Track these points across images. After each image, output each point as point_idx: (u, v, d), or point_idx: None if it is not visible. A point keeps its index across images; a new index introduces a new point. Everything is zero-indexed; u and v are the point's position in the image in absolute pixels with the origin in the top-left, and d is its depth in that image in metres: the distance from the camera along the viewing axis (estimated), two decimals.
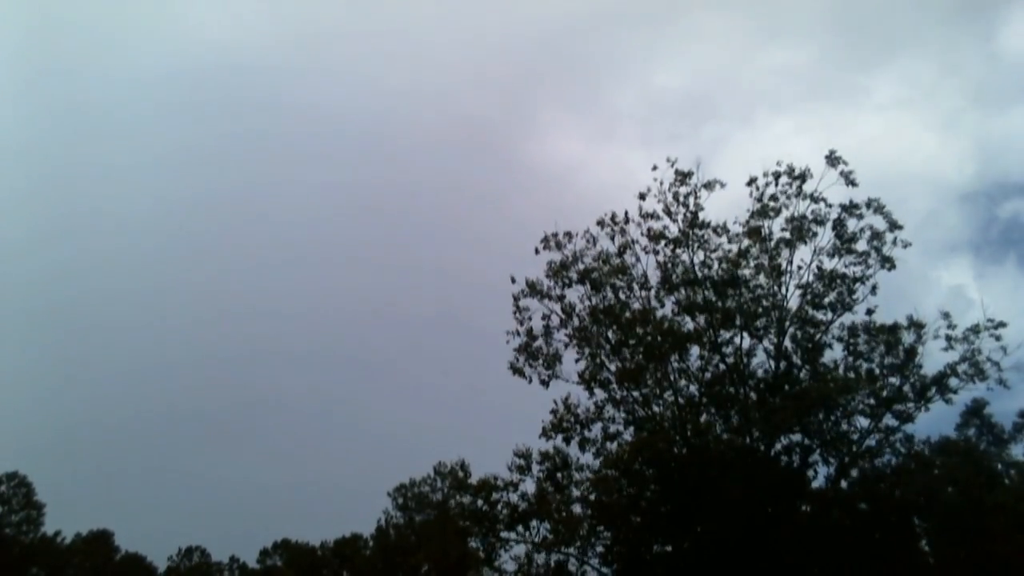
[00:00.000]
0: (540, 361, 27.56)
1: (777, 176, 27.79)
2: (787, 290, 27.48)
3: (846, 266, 27.11)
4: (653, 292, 27.89)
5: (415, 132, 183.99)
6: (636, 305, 27.87)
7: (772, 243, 27.62)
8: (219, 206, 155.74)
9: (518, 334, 27.82)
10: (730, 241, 27.65)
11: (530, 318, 27.92)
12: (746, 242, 27.50)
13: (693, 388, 27.81)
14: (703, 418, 27.44)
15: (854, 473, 26.82)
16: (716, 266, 27.62)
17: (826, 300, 27.21)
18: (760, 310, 27.19)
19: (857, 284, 26.95)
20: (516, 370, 27.51)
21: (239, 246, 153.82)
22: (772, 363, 27.03)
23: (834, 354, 27.03)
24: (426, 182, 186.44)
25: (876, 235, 26.70)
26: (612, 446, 27.08)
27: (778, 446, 26.31)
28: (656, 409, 27.59)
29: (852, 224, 27.14)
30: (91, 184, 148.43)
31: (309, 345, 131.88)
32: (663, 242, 27.76)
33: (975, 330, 25.34)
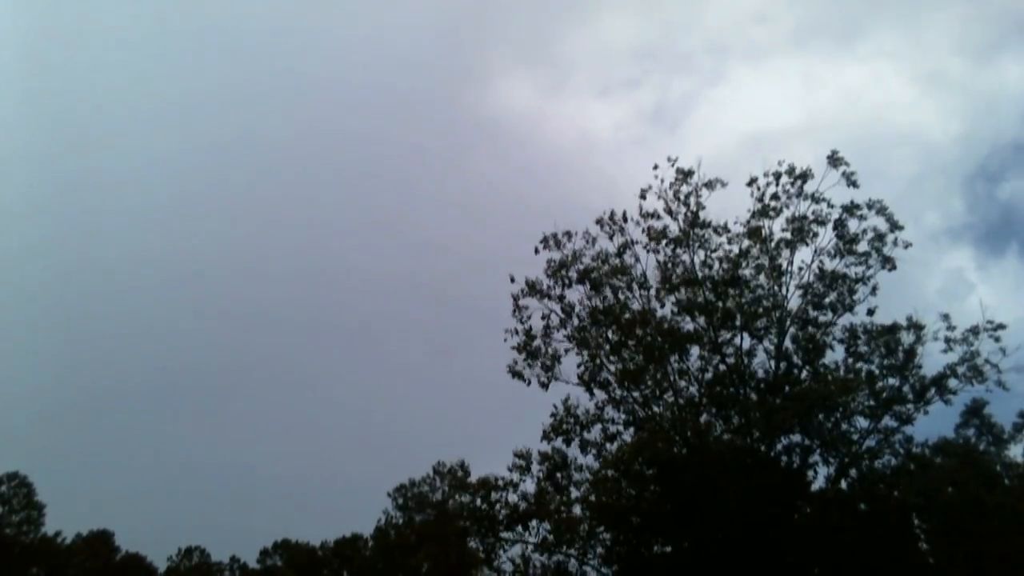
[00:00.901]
0: (539, 362, 27.51)
1: (778, 176, 27.80)
2: (788, 290, 27.52)
3: (847, 267, 27.15)
4: (653, 292, 27.85)
5: (360, 86, 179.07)
6: (636, 305, 27.84)
7: (773, 243, 27.63)
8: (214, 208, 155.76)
9: (517, 333, 27.77)
10: (730, 242, 27.66)
11: (529, 317, 27.87)
12: (747, 242, 27.52)
13: (693, 388, 27.81)
14: (703, 418, 27.44)
15: (854, 473, 26.81)
16: (717, 266, 27.64)
17: (827, 301, 27.23)
18: (761, 310, 27.18)
19: (858, 285, 26.98)
20: (515, 373, 27.41)
21: (238, 248, 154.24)
22: (772, 364, 27.02)
23: (834, 355, 27.11)
24: (375, 137, 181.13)
25: (878, 236, 26.72)
26: (612, 447, 27.10)
27: (778, 446, 26.33)
28: (656, 410, 27.58)
29: (853, 225, 27.20)
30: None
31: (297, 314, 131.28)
32: (663, 242, 27.74)
33: (974, 331, 25.37)
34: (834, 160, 27.19)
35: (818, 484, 26.65)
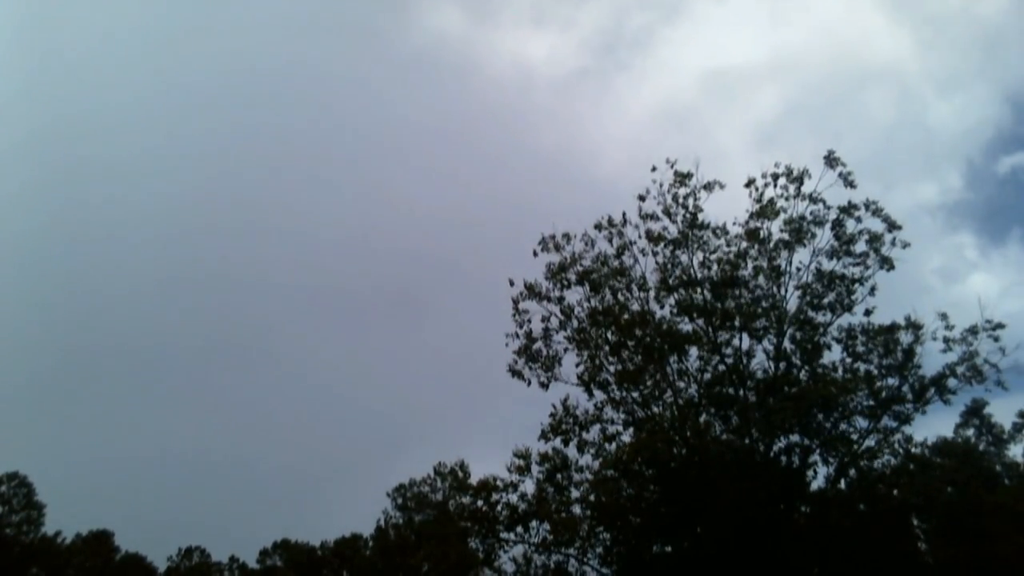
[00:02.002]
0: (539, 363, 27.58)
1: (776, 177, 27.86)
2: (786, 291, 27.56)
3: (845, 267, 27.18)
4: (652, 293, 27.92)
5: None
6: (635, 306, 27.89)
7: (771, 244, 27.67)
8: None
9: (517, 336, 27.86)
10: (729, 243, 27.71)
11: (529, 320, 27.96)
12: (745, 243, 27.56)
13: (692, 389, 27.84)
14: (702, 419, 27.45)
15: (853, 473, 26.82)
16: (715, 267, 27.66)
17: (825, 301, 27.26)
18: (759, 311, 27.20)
19: (856, 285, 27.01)
20: (515, 373, 27.54)
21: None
22: (771, 364, 27.04)
23: (833, 355, 27.12)
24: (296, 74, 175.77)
25: (875, 237, 26.75)
26: (611, 447, 27.13)
27: (777, 447, 26.35)
28: (655, 410, 27.61)
29: (851, 225, 27.23)
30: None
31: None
32: (662, 243, 27.79)
33: (973, 331, 25.40)
34: (831, 160, 27.25)
35: (817, 484, 26.74)
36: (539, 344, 27.77)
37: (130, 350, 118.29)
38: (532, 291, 27.91)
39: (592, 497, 27.19)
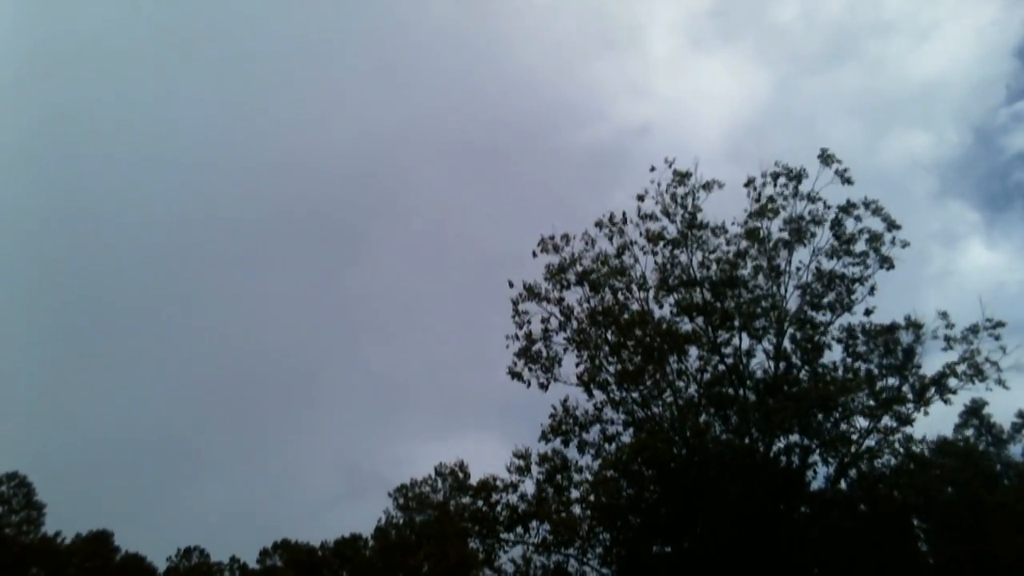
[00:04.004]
0: (539, 364, 27.55)
1: (775, 176, 27.86)
2: (786, 291, 27.55)
3: (844, 267, 27.16)
4: (652, 293, 27.91)
5: None
6: (635, 306, 27.89)
7: (771, 244, 27.64)
8: None
9: (517, 338, 27.83)
10: (728, 243, 27.70)
11: (529, 321, 27.94)
12: (744, 243, 27.54)
13: (692, 389, 27.84)
14: (702, 419, 27.42)
15: (853, 474, 26.80)
16: (715, 267, 27.64)
17: (825, 301, 27.24)
18: (759, 311, 27.18)
19: (856, 285, 26.99)
20: (515, 374, 27.48)
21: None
22: (771, 364, 27.03)
23: (833, 355, 27.10)
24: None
25: (874, 236, 26.73)
26: (611, 447, 27.11)
27: (777, 447, 26.31)
28: (655, 410, 27.60)
29: (850, 224, 27.22)
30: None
31: None
32: (662, 243, 27.76)
33: (974, 330, 25.37)
34: (825, 158, 27.20)
35: (817, 484, 26.70)
36: (539, 345, 27.80)
37: (136, 357, 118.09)
38: (531, 292, 27.90)
39: (592, 497, 27.17)
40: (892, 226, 26.75)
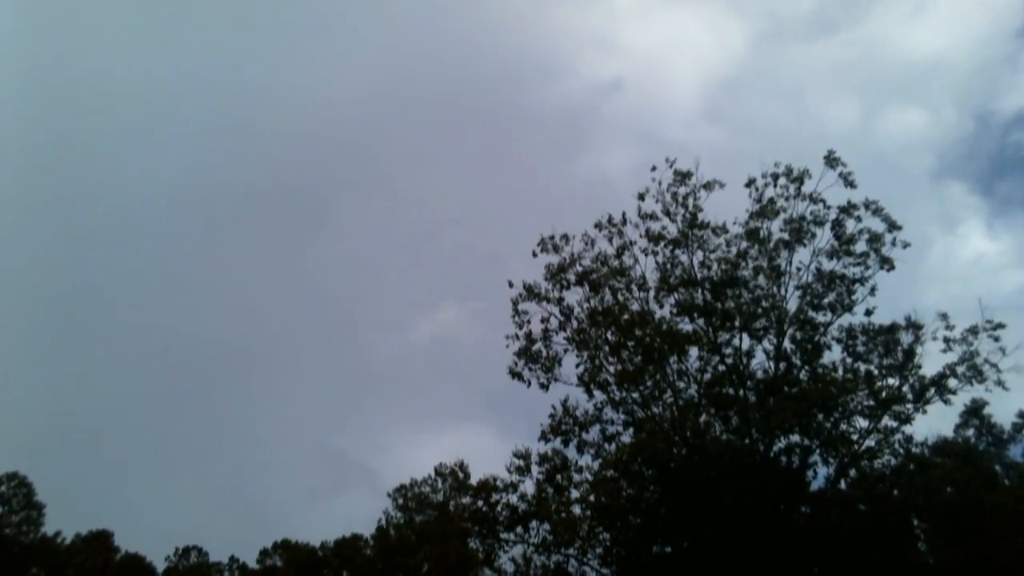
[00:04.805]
0: (539, 365, 27.54)
1: (776, 177, 27.84)
2: (786, 291, 27.54)
3: (845, 267, 27.16)
4: (652, 293, 27.90)
5: None
6: (635, 306, 27.88)
7: (771, 244, 27.64)
8: None
9: (517, 338, 27.82)
10: (729, 243, 27.69)
11: (529, 321, 27.93)
12: (745, 243, 27.54)
13: (692, 389, 27.83)
14: (702, 419, 27.45)
15: (853, 474, 26.86)
16: (715, 267, 27.64)
17: (825, 301, 27.24)
18: (759, 311, 27.19)
19: (856, 285, 26.99)
20: (515, 374, 27.49)
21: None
22: (771, 364, 27.06)
23: (833, 355, 27.11)
24: None
25: (875, 237, 26.73)
26: (611, 447, 27.13)
27: (777, 447, 26.35)
28: (655, 410, 27.60)
29: (851, 225, 27.22)
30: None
31: None
32: (662, 243, 27.75)
33: (973, 331, 25.37)
34: (831, 160, 27.22)
35: (818, 484, 26.74)
36: (539, 345, 27.79)
37: (137, 356, 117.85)
38: (531, 292, 27.88)
39: (592, 497, 27.17)
40: (893, 227, 26.76)
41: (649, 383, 27.41)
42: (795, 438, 26.18)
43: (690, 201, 27.73)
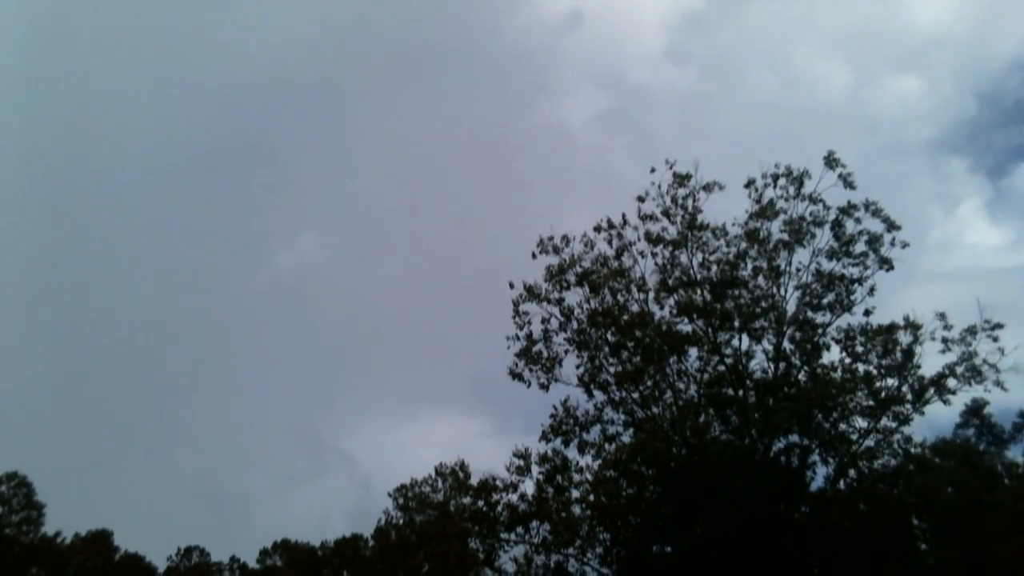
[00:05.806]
0: (540, 365, 27.61)
1: (776, 178, 27.91)
2: (786, 292, 27.61)
3: (844, 268, 27.23)
4: (652, 294, 27.96)
5: None
6: (635, 307, 27.93)
7: (771, 245, 27.70)
8: None
9: (518, 339, 27.89)
10: (728, 244, 27.75)
11: (529, 322, 28.00)
12: (744, 244, 27.60)
13: (692, 389, 27.89)
14: (702, 419, 27.48)
15: (853, 474, 26.87)
16: (715, 268, 27.70)
17: (824, 301, 27.32)
18: (759, 312, 27.25)
19: (855, 285, 27.06)
20: (515, 375, 27.57)
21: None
22: (771, 364, 27.12)
23: (832, 355, 27.19)
24: None
25: (874, 238, 26.80)
26: (611, 447, 27.18)
27: (777, 447, 26.44)
28: (655, 410, 27.66)
29: (850, 226, 27.28)
30: None
31: None
32: (661, 244, 27.82)
33: (972, 331, 25.42)
34: (830, 161, 27.28)
35: (817, 484, 26.80)
36: (539, 346, 27.87)
37: (136, 356, 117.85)
38: (532, 293, 27.96)
39: (592, 497, 27.22)
40: (892, 227, 26.85)
41: (649, 383, 27.48)
42: (794, 438, 26.26)
43: (689, 203, 27.81)
